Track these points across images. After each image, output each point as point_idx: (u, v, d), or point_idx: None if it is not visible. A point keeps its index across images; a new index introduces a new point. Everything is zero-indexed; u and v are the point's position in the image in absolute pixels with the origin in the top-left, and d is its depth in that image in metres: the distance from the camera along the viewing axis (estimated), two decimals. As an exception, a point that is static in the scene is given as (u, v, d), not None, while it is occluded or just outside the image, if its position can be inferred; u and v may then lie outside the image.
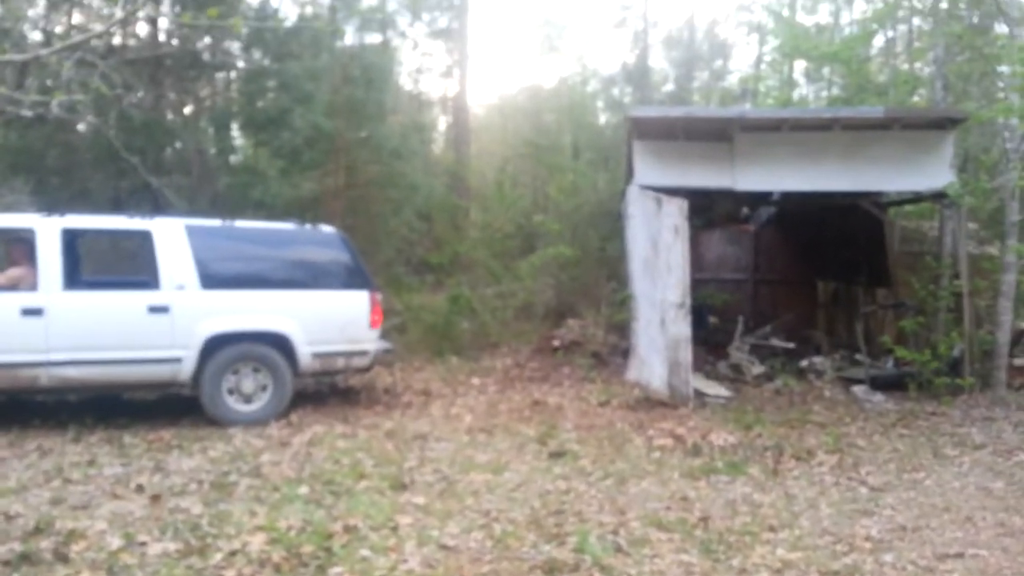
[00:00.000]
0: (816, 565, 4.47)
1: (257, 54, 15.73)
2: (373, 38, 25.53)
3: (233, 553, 4.22)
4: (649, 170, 10.05)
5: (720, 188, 10.01)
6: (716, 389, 9.72)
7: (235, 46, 15.82)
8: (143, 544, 4.32)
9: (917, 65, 15.74)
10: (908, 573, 4.45)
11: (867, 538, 4.98)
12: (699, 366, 10.74)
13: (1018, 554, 4.83)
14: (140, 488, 5.31)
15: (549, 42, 36.24)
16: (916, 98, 14.50)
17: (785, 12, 23.22)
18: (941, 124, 9.69)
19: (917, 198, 11.19)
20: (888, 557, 4.66)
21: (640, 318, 10.32)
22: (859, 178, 9.65)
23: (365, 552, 4.32)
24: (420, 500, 5.29)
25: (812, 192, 10.22)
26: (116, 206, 14.92)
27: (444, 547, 4.47)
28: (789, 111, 9.68)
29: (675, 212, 8.88)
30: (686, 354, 8.85)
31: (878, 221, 11.37)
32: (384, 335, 12.42)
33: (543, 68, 40.07)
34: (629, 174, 10.74)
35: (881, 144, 9.44)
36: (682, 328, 8.87)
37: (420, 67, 33.28)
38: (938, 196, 9.78)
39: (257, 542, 4.35)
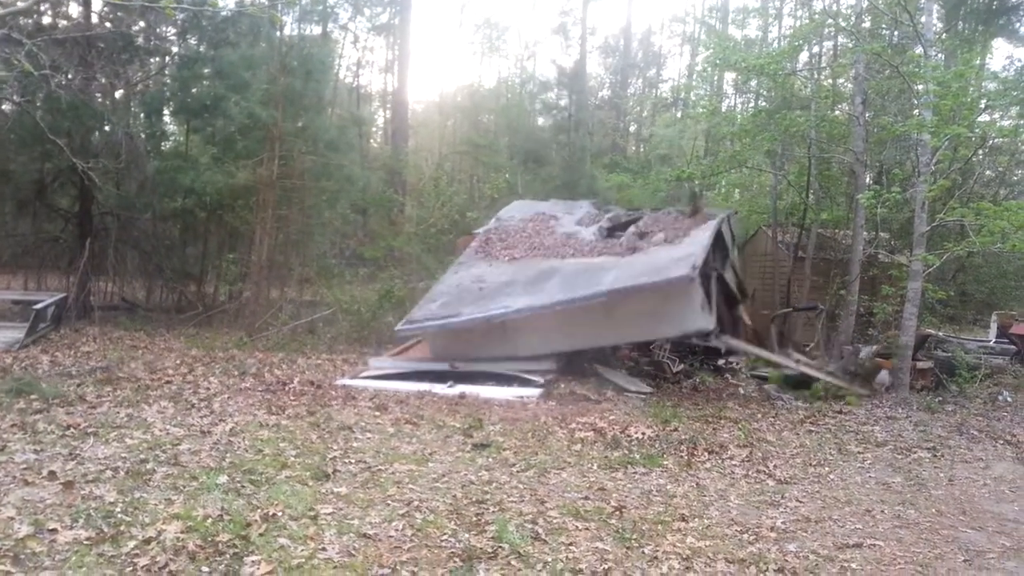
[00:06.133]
0: (723, 553, 4.68)
1: (193, 40, 15.38)
2: (313, 30, 25.26)
3: (147, 541, 4.15)
4: (442, 352, 10.46)
5: (504, 356, 10.25)
6: (637, 385, 9.98)
7: (170, 31, 15.44)
8: (53, 531, 4.19)
9: (839, 80, 16.45)
10: (810, 562, 4.69)
11: (772, 528, 5.24)
12: (623, 363, 11.04)
13: (912, 544, 5.16)
14: (52, 475, 5.14)
15: (489, 43, 36.56)
16: (836, 112, 15.14)
17: (717, 25, 24.01)
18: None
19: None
20: (791, 546, 4.91)
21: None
22: (622, 331, 10.01)
23: (283, 541, 4.31)
24: (342, 490, 5.29)
25: (584, 348, 10.51)
26: (40, 188, 14.42)
27: (364, 536, 4.49)
28: (539, 307, 9.93)
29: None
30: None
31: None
32: (313, 326, 12.42)
33: (483, 68, 40.28)
34: None
35: (637, 300, 9.70)
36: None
37: (360, 61, 33.06)
38: (697, 335, 9.92)
39: (172, 530, 4.28)
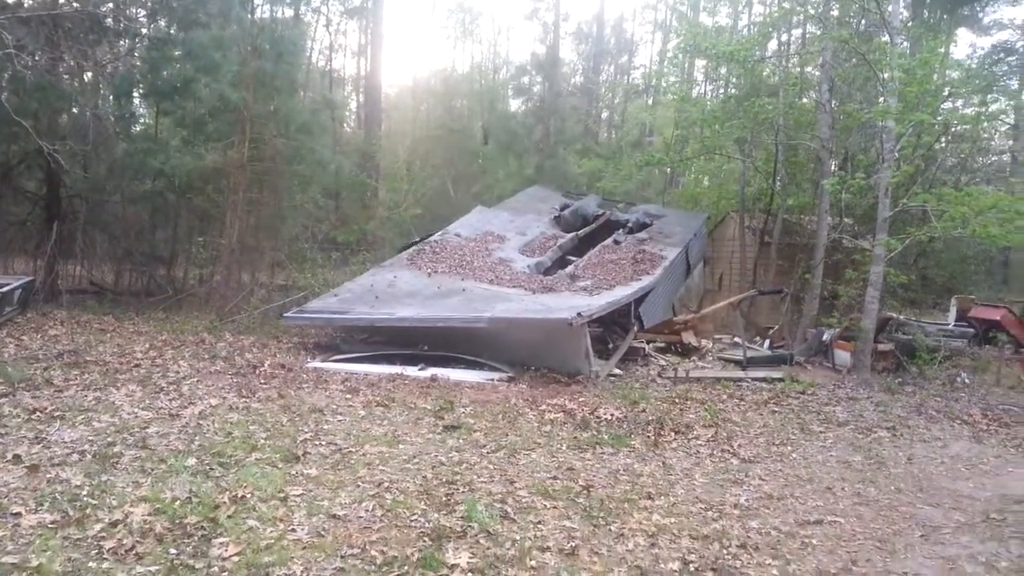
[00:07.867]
0: (688, 530, 4.79)
1: (162, 21, 15.10)
2: (285, 12, 24.92)
3: (114, 524, 4.14)
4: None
5: None
6: (607, 367, 10.08)
7: (140, 12, 15.14)
8: (16, 515, 4.16)
9: (807, 68, 16.62)
10: (772, 538, 4.80)
11: (736, 505, 5.36)
12: (594, 346, 11.17)
13: (871, 521, 5.30)
14: (17, 458, 5.10)
15: (463, 28, 36.35)
16: (804, 99, 15.31)
17: (688, 12, 24.12)
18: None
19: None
20: (754, 523, 5.03)
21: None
22: (519, 357, 10.07)
23: (252, 522, 4.31)
24: (312, 472, 5.30)
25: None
26: (5, 171, 14.10)
27: (334, 516, 4.52)
28: (418, 320, 10.18)
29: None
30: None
31: None
32: (285, 310, 12.38)
33: (456, 53, 40.09)
34: None
35: (525, 332, 9.91)
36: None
37: (333, 45, 32.70)
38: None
39: (140, 513, 4.27)
